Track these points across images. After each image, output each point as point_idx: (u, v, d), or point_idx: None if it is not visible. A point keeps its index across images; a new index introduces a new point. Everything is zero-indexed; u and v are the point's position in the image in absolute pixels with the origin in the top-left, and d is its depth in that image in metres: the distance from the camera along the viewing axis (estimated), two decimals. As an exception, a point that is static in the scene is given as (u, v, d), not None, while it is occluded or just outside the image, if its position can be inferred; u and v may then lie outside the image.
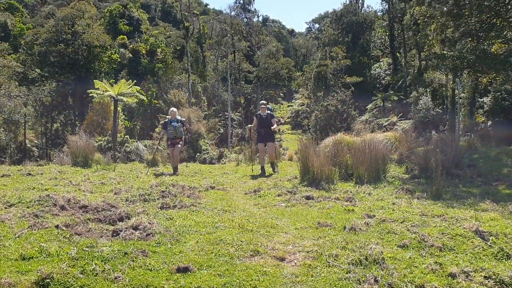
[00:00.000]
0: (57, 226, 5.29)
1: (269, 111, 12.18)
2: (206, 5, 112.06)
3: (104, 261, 4.20)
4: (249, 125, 12.54)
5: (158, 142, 14.78)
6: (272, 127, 12.04)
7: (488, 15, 12.67)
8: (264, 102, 12.67)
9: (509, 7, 12.28)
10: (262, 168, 11.90)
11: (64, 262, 4.08)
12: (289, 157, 17.73)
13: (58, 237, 4.92)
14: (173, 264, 4.22)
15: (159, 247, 4.74)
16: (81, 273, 3.92)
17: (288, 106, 66.54)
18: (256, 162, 13.33)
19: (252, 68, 58.32)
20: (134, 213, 6.15)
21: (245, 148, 24.28)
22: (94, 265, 4.06)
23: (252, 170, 12.13)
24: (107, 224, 5.69)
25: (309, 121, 44.35)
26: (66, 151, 15.84)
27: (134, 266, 4.14)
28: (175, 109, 12.52)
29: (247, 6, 64.88)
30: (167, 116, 12.58)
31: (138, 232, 5.22)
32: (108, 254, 4.38)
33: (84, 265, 4.07)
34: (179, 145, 12.39)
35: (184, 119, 13.25)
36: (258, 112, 12.31)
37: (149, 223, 5.50)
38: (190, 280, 3.91)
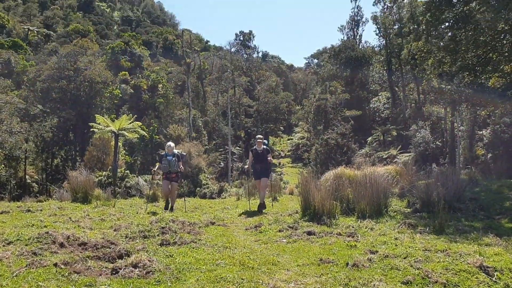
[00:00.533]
0: (55, 264, 5.21)
1: (265, 146, 11.73)
2: (207, 41, 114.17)
3: (103, 301, 4.13)
4: (246, 166, 12.16)
5: (152, 177, 14.27)
6: (268, 159, 11.68)
7: (484, 50, 12.89)
8: (261, 136, 12.11)
9: (505, 42, 12.51)
10: (263, 203, 11.69)
11: (62, 302, 4.01)
12: (289, 191, 17.70)
13: (56, 275, 4.85)
14: (173, 303, 4.15)
15: (159, 286, 4.66)
16: (79, 313, 3.84)
17: (288, 139, 66.78)
18: (256, 196, 13.17)
19: (252, 102, 58.87)
20: (133, 250, 6.08)
21: (245, 182, 24.22)
22: (92, 305, 3.99)
23: (250, 208, 11.80)
24: (106, 261, 5.62)
25: (309, 155, 44.46)
26: (66, 187, 15.79)
27: (133, 305, 4.07)
28: (172, 144, 12.14)
29: (247, 42, 66.07)
30: (165, 150, 12.26)
31: (137, 270, 5.14)
32: (107, 293, 4.31)
33: (83, 304, 4.00)
34: (175, 182, 11.99)
35: (185, 154, 12.83)
36: (254, 147, 11.83)
37: (148, 260, 5.42)
38: (190, 319, 3.84)
